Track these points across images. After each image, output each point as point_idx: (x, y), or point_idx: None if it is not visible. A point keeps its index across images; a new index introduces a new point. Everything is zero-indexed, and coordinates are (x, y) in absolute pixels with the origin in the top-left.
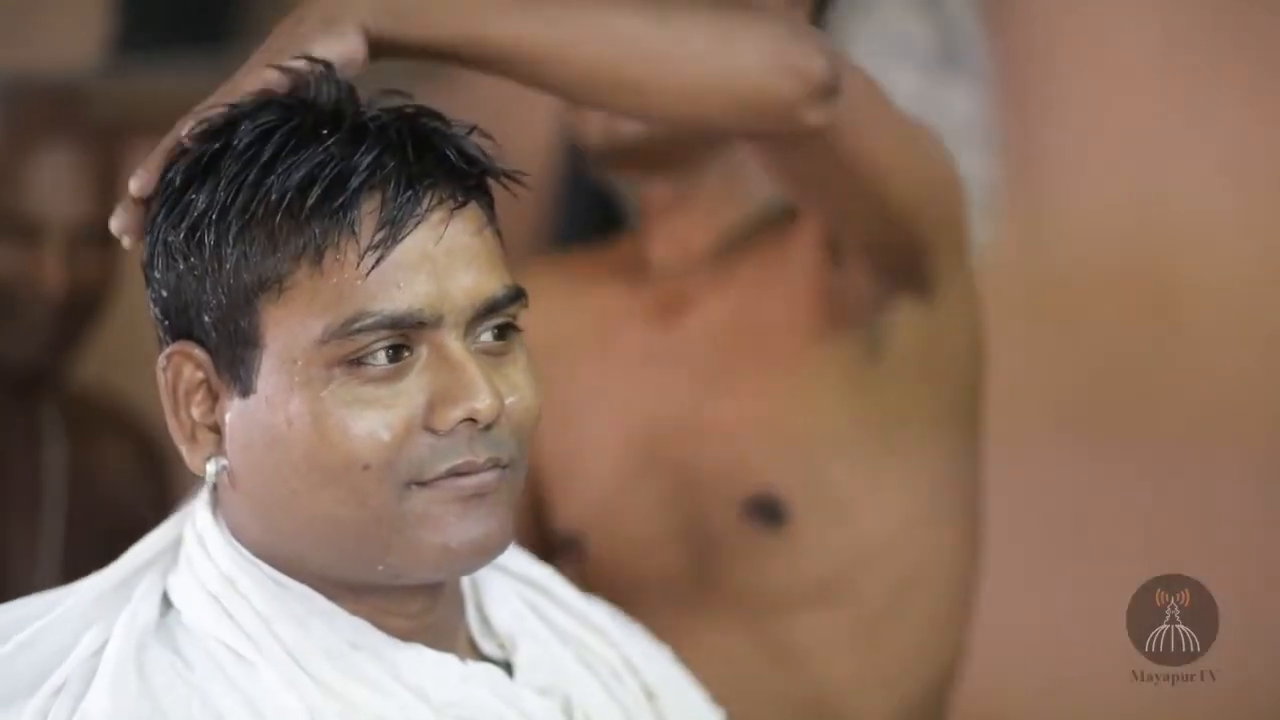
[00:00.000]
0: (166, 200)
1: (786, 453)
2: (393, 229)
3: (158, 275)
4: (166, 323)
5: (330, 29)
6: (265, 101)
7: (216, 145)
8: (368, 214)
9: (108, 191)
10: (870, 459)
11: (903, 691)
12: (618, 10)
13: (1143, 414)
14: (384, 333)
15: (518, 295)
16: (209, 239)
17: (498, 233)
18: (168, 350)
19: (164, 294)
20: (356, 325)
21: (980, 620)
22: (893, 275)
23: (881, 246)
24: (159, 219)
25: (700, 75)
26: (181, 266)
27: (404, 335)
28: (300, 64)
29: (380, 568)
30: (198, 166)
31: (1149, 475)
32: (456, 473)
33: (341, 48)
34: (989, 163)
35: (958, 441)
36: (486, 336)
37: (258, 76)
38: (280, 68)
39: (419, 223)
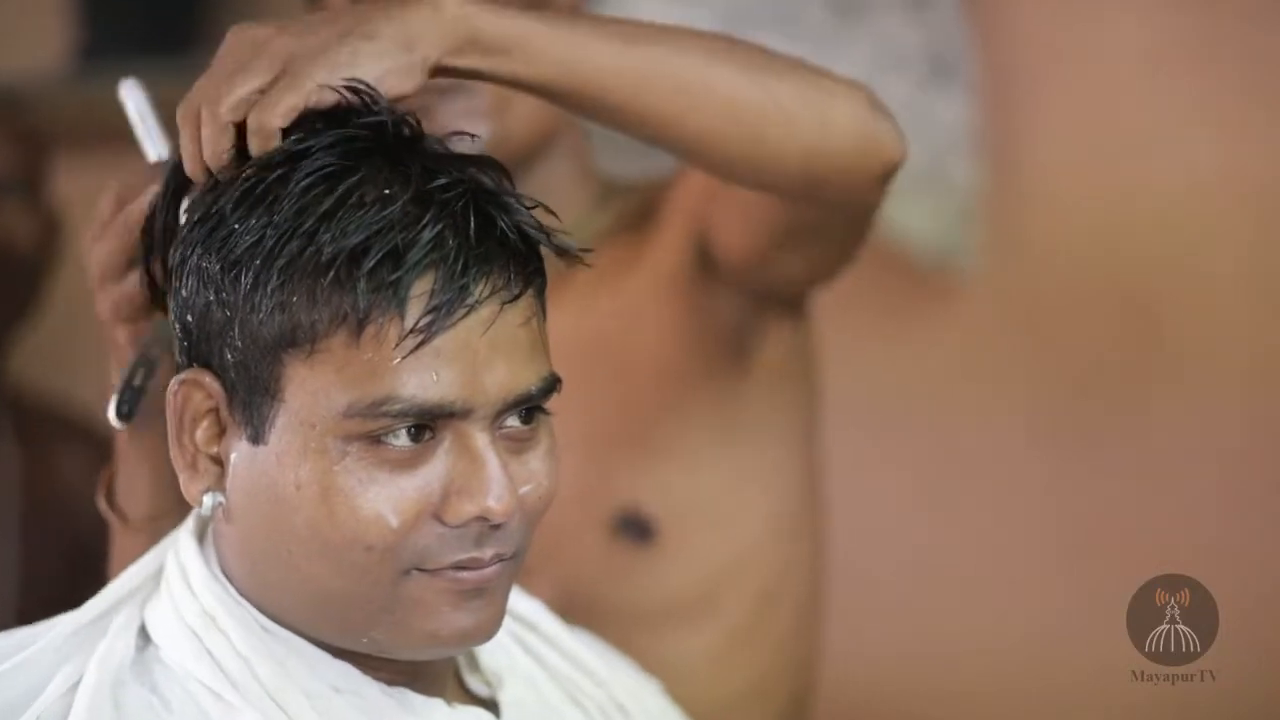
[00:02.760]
0: (207, 220)
1: (653, 468)
2: (439, 315)
3: (184, 295)
4: (186, 344)
5: (400, 60)
6: (334, 138)
7: (272, 176)
8: (418, 295)
9: (22, 146)
10: (736, 471)
11: (772, 705)
12: (714, 64)
13: (1140, 414)
14: (410, 419)
15: (551, 388)
16: (246, 279)
17: (544, 314)
18: (180, 377)
19: (188, 318)
20: (383, 409)
21: (981, 621)
22: (778, 299)
23: (801, 281)
24: (194, 235)
25: (792, 149)
26: (211, 297)
27: (430, 420)
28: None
29: (364, 640)
30: (249, 195)
31: (1148, 476)
32: (460, 566)
33: (403, 87)
34: (974, 171)
35: (809, 453)
36: (513, 421)
37: (309, 90)
38: (345, 88)
39: (468, 313)
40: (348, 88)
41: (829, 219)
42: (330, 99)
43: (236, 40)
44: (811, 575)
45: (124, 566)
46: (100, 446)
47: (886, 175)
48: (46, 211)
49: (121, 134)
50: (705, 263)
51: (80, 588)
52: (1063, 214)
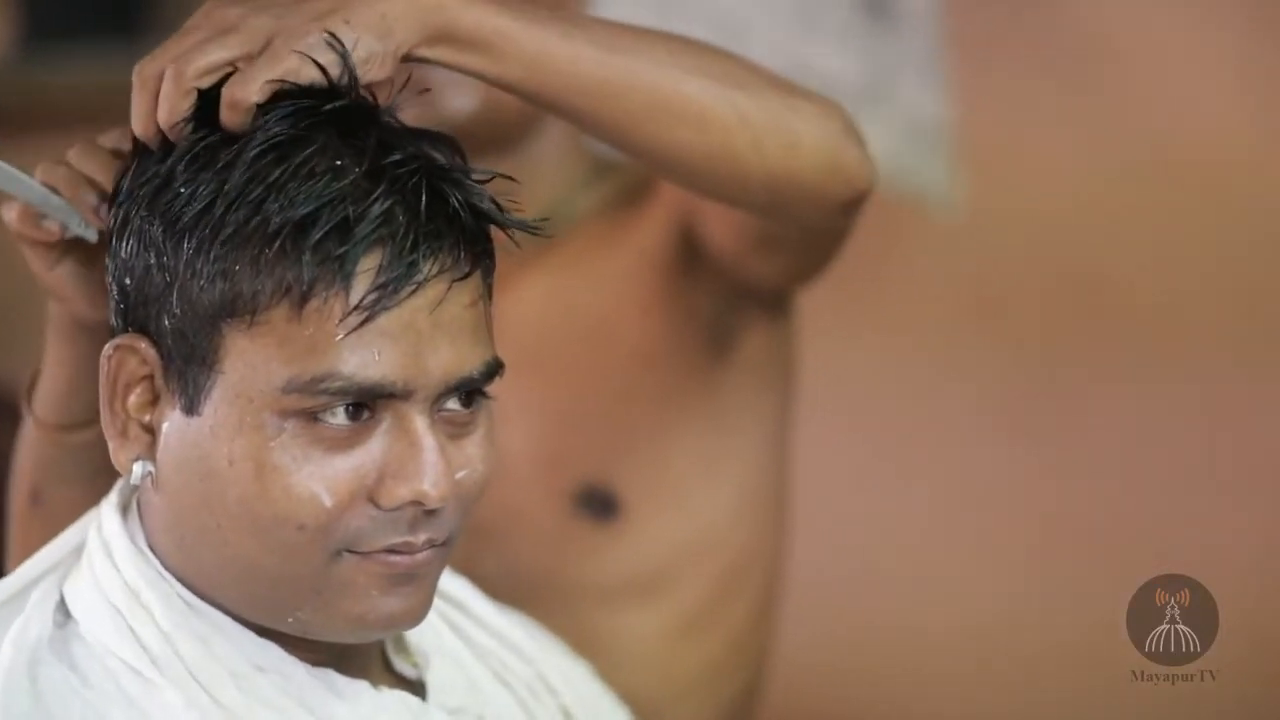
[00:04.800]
0: (152, 181)
1: (622, 443)
2: (386, 293)
3: (123, 256)
4: (123, 307)
5: (374, 47)
6: (290, 109)
7: (224, 142)
8: (364, 270)
9: None
10: (705, 456)
11: (719, 694)
12: (687, 78)
13: (1148, 416)
14: (349, 397)
15: (494, 372)
16: (188, 244)
17: (490, 297)
18: (115, 341)
19: (126, 281)
20: (323, 386)
21: (980, 621)
22: (758, 295)
23: (774, 282)
24: (139, 195)
25: (757, 169)
26: (152, 260)
27: (370, 399)
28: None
29: (290, 620)
30: (199, 159)
31: (1150, 476)
32: (392, 550)
33: (375, 74)
34: (922, 89)
35: (780, 446)
36: (453, 404)
37: (286, 67)
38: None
39: (415, 291)
40: (324, 65)
41: (800, 232)
42: (306, 77)
43: (211, 14)
44: (772, 566)
45: (23, 459)
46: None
47: (851, 202)
48: None
49: (65, 117)
50: (689, 250)
51: None
52: (1017, 194)
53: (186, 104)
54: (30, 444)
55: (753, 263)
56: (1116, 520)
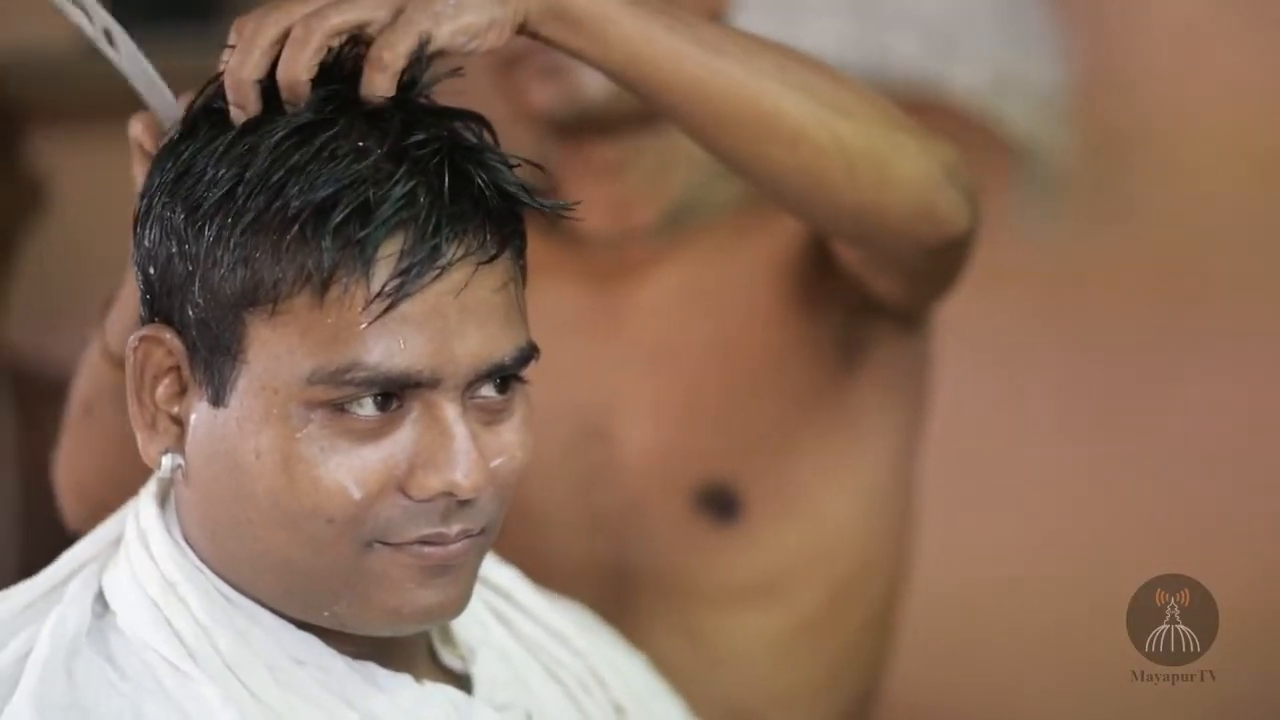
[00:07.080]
0: (175, 168)
1: (746, 443)
2: (409, 278)
3: (147, 245)
4: (149, 297)
5: (496, 13)
6: (318, 94)
7: (247, 128)
8: (386, 255)
9: None
10: (828, 462)
11: (833, 700)
12: (788, 94)
13: (1146, 415)
14: (375, 388)
15: (528, 358)
16: (209, 231)
17: (523, 280)
18: (140, 333)
19: (150, 270)
20: (348, 377)
21: (980, 620)
22: (887, 310)
23: (900, 300)
24: (161, 182)
25: (847, 197)
26: (174, 248)
27: (397, 389)
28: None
29: (325, 614)
30: (221, 145)
31: (1149, 476)
32: (425, 541)
33: (493, 42)
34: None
35: (907, 451)
36: (487, 390)
37: (420, 34)
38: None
39: (439, 276)
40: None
41: (894, 263)
42: (441, 42)
43: None
44: (891, 576)
45: (83, 376)
46: None
47: (942, 246)
48: (28, 178)
49: (136, 106)
50: (821, 257)
51: None
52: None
53: (317, 60)
54: (92, 364)
55: (869, 279)
56: (1117, 519)
